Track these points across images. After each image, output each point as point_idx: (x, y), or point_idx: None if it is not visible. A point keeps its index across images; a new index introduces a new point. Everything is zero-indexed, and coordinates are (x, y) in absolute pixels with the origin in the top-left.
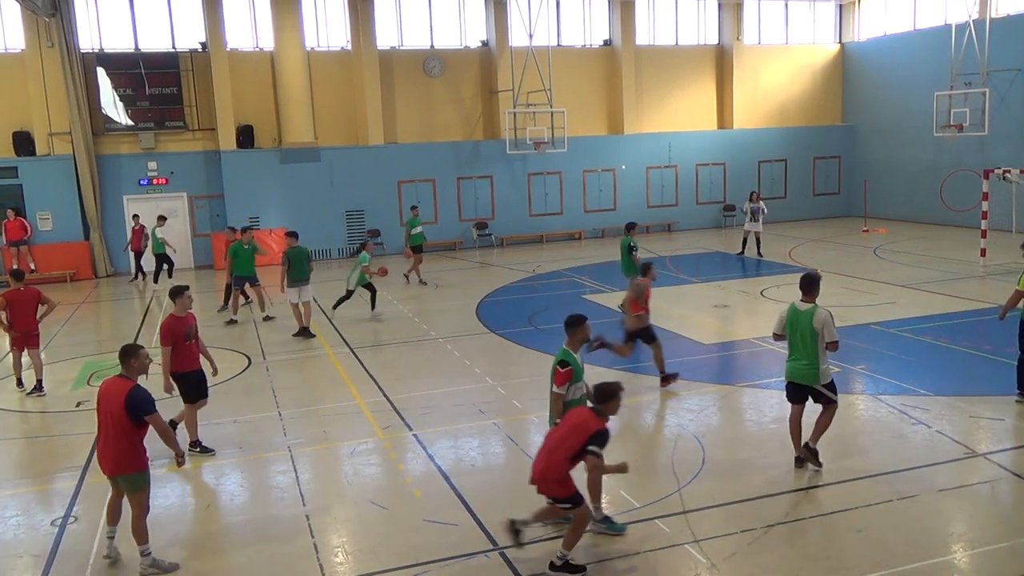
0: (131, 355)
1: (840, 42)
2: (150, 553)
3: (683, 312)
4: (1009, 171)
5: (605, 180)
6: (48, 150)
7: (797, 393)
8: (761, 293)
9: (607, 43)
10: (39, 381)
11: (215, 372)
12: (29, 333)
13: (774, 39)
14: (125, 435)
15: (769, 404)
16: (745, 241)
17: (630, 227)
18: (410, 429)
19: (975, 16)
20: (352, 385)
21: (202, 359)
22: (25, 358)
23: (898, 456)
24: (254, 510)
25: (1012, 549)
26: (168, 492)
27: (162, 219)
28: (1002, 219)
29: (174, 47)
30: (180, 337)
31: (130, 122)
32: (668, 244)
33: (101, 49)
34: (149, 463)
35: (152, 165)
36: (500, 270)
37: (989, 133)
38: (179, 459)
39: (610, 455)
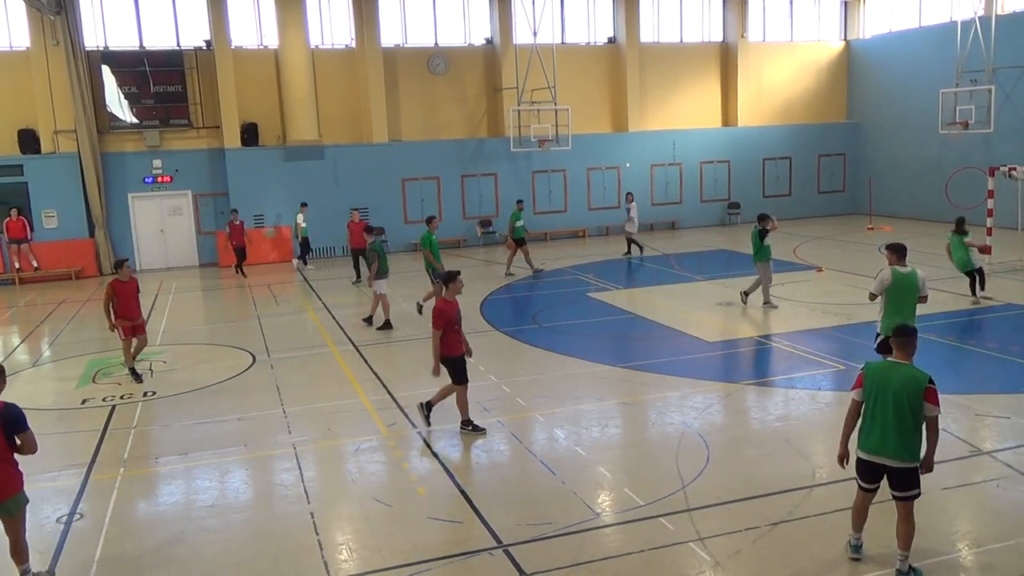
0: None
1: (845, 39)
2: (30, 571)
3: (687, 310)
4: (1015, 168)
5: (609, 178)
6: (53, 148)
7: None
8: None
9: (611, 40)
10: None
11: (470, 354)
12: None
13: (779, 36)
14: (2, 456)
15: (773, 402)
16: (630, 243)
17: (762, 218)
18: (414, 427)
19: (980, 13)
20: (356, 383)
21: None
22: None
23: None
24: (258, 507)
25: (1017, 548)
26: (173, 490)
27: (304, 205)
28: (1008, 216)
29: (179, 45)
30: (451, 322)
31: (135, 120)
32: (672, 242)
33: (106, 47)
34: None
35: (157, 163)
36: (504, 268)
37: (994, 130)
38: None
39: (610, 454)
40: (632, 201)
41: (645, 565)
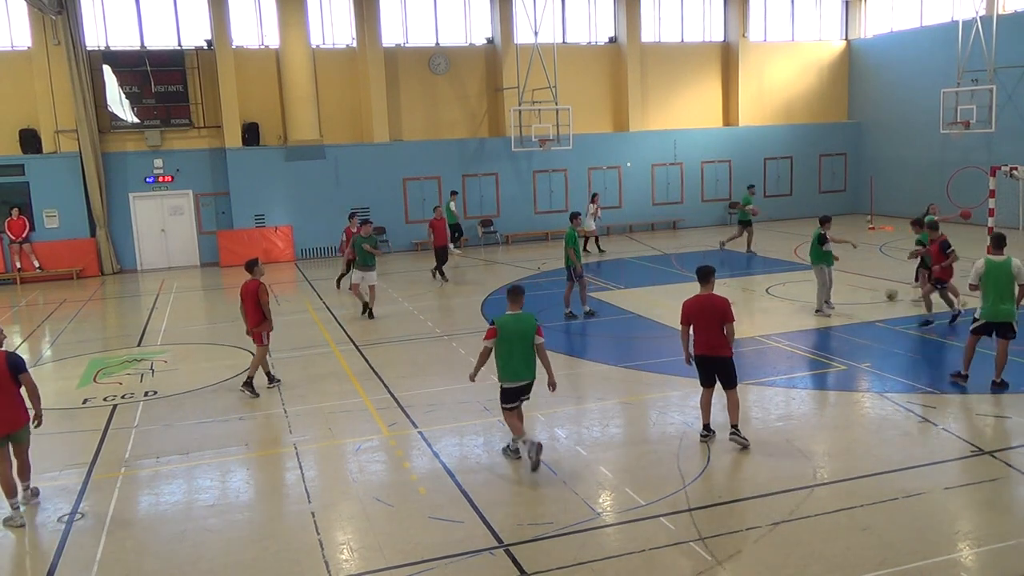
0: None
1: (846, 39)
2: (30, 487)
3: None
4: (1016, 168)
5: (610, 177)
6: (55, 147)
7: (988, 330)
8: (767, 291)
9: (612, 40)
10: (250, 380)
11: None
12: (252, 330)
13: (780, 36)
14: (11, 393)
15: (774, 402)
16: (587, 241)
17: (824, 220)
18: (415, 426)
19: (982, 13)
20: (357, 382)
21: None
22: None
23: (904, 454)
24: (260, 507)
25: (1018, 547)
26: (174, 489)
27: (454, 194)
28: (1009, 216)
29: (180, 45)
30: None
31: (136, 120)
32: (673, 242)
33: (107, 47)
34: None
35: (158, 163)
36: (505, 267)
37: (996, 130)
38: (38, 420)
39: (611, 454)
40: (596, 202)
41: (646, 565)
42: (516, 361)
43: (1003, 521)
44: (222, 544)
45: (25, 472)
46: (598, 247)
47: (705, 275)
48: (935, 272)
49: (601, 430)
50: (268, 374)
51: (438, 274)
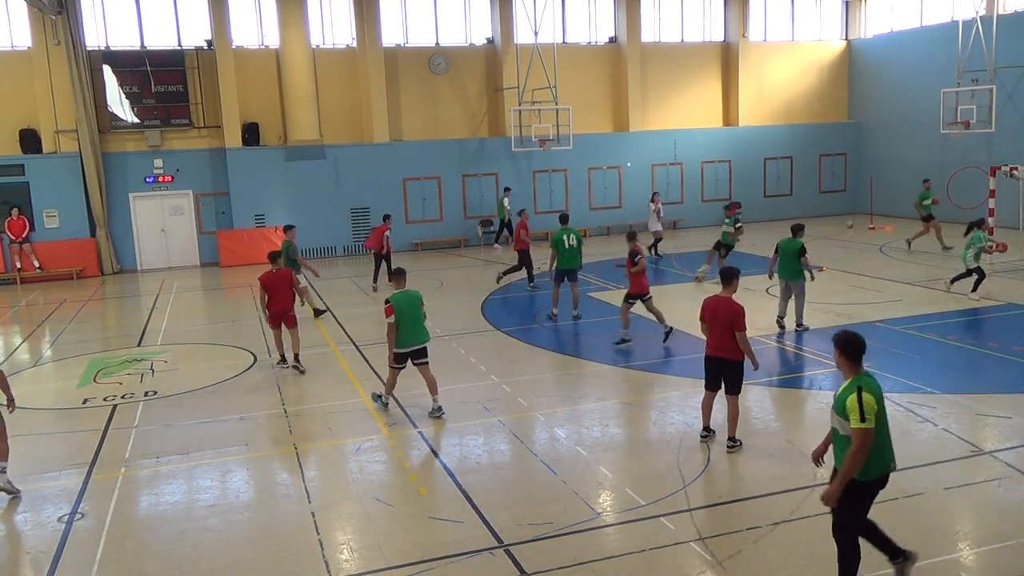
0: None
1: (846, 39)
2: (5, 469)
3: (688, 309)
4: (1016, 168)
5: (610, 178)
6: (55, 147)
7: None
8: (767, 291)
9: (612, 40)
10: (296, 356)
11: (755, 368)
12: (285, 313)
13: (780, 36)
14: None
15: (775, 402)
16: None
17: (798, 229)
18: (415, 426)
19: (982, 13)
20: (357, 382)
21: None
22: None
23: (904, 454)
24: (260, 507)
25: (1018, 547)
26: (174, 489)
27: (507, 190)
28: (1009, 216)
29: (180, 45)
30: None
31: (136, 120)
32: (673, 242)
33: (107, 47)
34: None
35: (158, 163)
36: (505, 268)
37: (996, 130)
38: (11, 405)
39: (611, 454)
40: (657, 202)
41: (646, 565)
42: (413, 328)
43: (1004, 521)
44: (222, 544)
45: (3, 452)
46: (656, 251)
47: (727, 277)
48: (630, 287)
49: (601, 430)
50: (283, 356)
51: (527, 279)
